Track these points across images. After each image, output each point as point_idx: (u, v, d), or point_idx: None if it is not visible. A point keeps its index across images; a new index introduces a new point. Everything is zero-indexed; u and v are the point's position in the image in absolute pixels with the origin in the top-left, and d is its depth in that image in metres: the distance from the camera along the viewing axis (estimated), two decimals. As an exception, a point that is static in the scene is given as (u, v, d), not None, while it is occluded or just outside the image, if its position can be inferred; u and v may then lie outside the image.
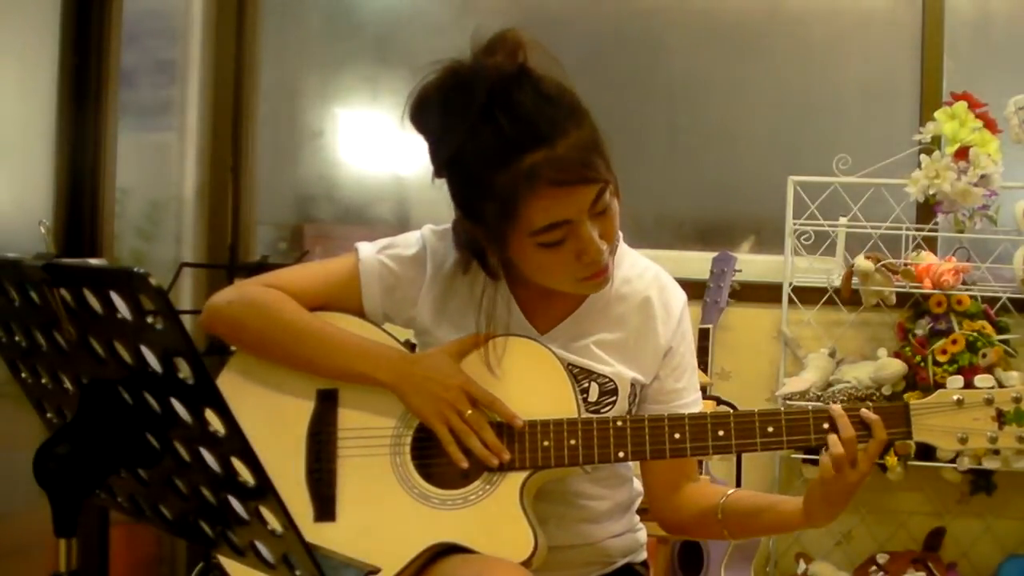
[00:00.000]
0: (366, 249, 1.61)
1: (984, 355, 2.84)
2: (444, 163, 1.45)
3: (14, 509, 2.33)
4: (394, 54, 3.42)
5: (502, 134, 1.37)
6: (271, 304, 1.56)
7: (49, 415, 1.20)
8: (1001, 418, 1.42)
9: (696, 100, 3.36)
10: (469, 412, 1.47)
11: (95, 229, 2.64)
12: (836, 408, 1.44)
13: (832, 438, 1.42)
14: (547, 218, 1.40)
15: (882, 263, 2.93)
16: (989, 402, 1.43)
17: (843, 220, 3.01)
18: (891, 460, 2.84)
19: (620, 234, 1.56)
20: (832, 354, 3.02)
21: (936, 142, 2.92)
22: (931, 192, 2.85)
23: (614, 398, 1.56)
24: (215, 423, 0.97)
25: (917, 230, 3.03)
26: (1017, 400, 1.42)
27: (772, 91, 3.32)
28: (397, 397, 1.52)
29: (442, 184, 1.50)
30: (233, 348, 1.62)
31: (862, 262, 2.93)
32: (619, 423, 1.48)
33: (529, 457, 1.47)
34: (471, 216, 1.48)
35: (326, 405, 1.55)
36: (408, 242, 1.62)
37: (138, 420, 1.03)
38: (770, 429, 1.46)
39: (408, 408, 1.51)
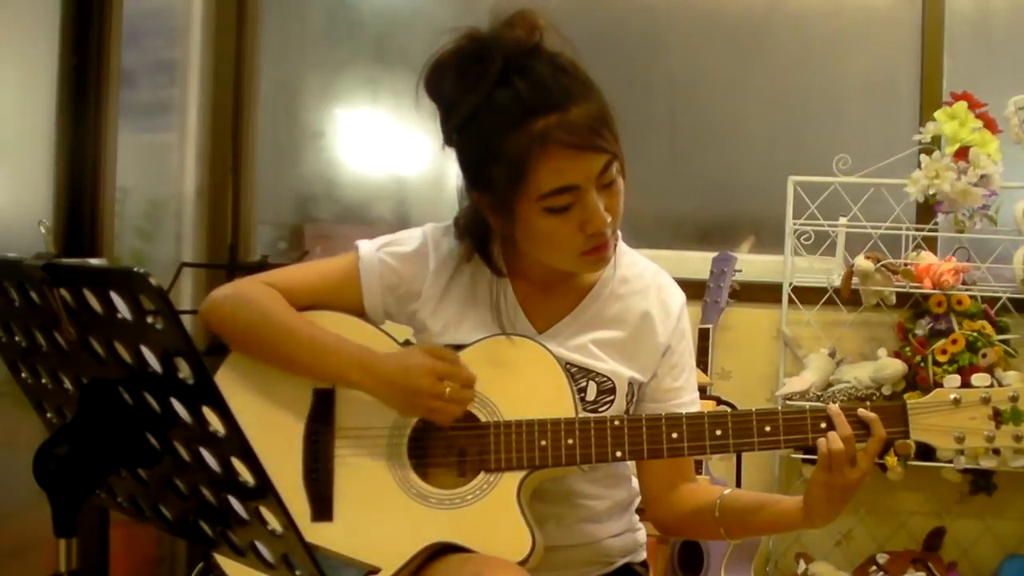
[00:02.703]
0: (366, 247, 1.62)
1: (984, 355, 2.84)
2: (457, 127, 1.47)
3: (14, 509, 2.32)
4: (394, 54, 3.42)
5: (518, 97, 1.41)
6: (262, 301, 1.57)
7: (49, 415, 1.20)
8: (998, 417, 1.42)
9: (696, 99, 3.36)
10: (448, 391, 1.47)
11: (95, 229, 2.63)
12: (833, 407, 1.44)
13: (831, 435, 1.43)
14: (556, 181, 1.42)
15: (882, 263, 2.93)
16: (986, 401, 1.43)
17: (843, 220, 3.01)
18: (891, 460, 2.84)
19: (619, 233, 1.57)
20: (832, 354, 3.02)
21: (936, 142, 2.92)
22: (931, 192, 2.85)
23: (612, 397, 1.56)
24: (215, 423, 0.97)
25: (917, 230, 3.03)
26: (1014, 399, 1.42)
27: (772, 90, 3.31)
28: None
29: (442, 183, 1.50)
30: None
31: (862, 262, 2.93)
32: (616, 423, 1.48)
33: (526, 457, 1.47)
34: (479, 183, 1.49)
35: (323, 404, 1.55)
36: (409, 238, 1.63)
37: (138, 420, 1.03)
38: (767, 428, 1.46)
39: (391, 405, 1.51)
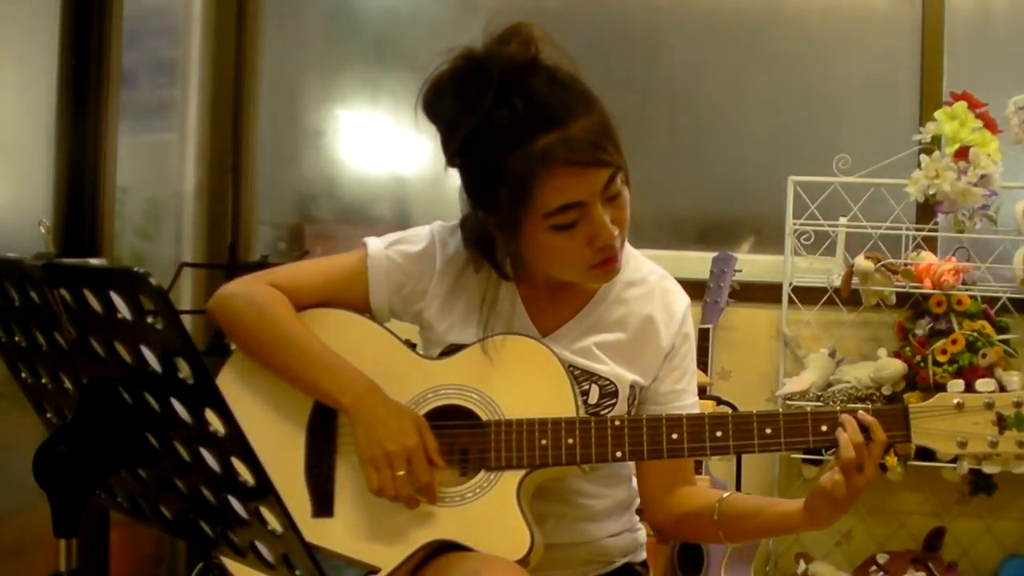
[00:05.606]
0: (375, 244, 1.61)
1: (984, 355, 2.84)
2: (458, 149, 1.46)
3: (14, 509, 2.32)
4: (394, 54, 3.43)
5: (517, 117, 1.39)
6: (268, 305, 1.56)
7: (49, 415, 1.20)
8: (1001, 423, 1.41)
9: (696, 99, 3.36)
10: (400, 474, 1.46)
11: (95, 229, 2.63)
12: (846, 415, 1.43)
13: (844, 440, 1.41)
14: (561, 199, 1.41)
15: (882, 263, 2.94)
16: (989, 406, 1.41)
17: (843, 220, 3.01)
18: (891, 460, 2.85)
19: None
20: (832, 354, 3.02)
21: (936, 142, 2.92)
22: (931, 192, 2.85)
23: (614, 400, 1.56)
24: (215, 423, 0.97)
25: (917, 230, 3.03)
26: (1018, 405, 1.40)
27: (772, 90, 3.32)
28: (350, 421, 1.51)
29: (442, 183, 1.50)
30: (232, 346, 1.62)
31: (862, 262, 2.93)
32: (617, 423, 1.48)
33: (527, 456, 1.47)
34: (484, 204, 1.49)
35: (326, 402, 1.55)
36: (417, 237, 1.62)
37: (138, 420, 1.03)
38: (768, 431, 1.45)
39: (353, 438, 1.50)
